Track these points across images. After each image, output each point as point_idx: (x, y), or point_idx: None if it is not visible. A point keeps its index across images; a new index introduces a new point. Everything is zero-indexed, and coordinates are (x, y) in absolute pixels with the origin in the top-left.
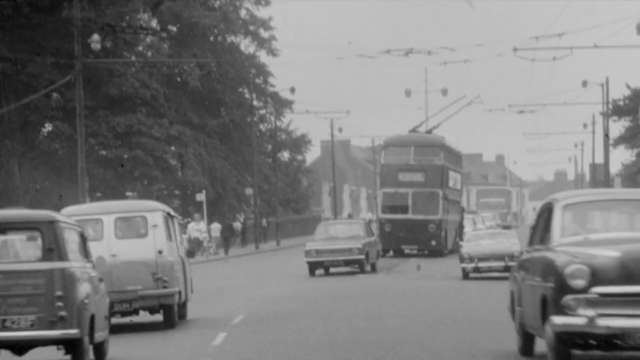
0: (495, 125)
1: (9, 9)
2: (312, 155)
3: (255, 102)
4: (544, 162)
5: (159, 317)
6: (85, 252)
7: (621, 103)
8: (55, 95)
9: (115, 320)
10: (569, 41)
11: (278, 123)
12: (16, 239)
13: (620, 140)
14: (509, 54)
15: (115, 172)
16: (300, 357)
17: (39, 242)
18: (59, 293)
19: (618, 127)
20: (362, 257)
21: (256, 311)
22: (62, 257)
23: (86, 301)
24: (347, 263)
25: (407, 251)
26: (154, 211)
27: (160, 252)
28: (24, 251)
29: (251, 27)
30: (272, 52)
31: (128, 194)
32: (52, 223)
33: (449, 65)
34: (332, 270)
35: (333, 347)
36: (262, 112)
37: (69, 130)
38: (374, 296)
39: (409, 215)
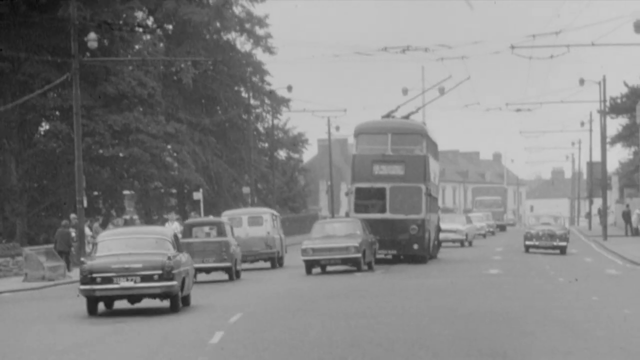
0: (492, 123)
1: (5, 7)
2: (309, 153)
3: (252, 101)
4: (541, 160)
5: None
6: (232, 234)
7: (619, 101)
8: (52, 94)
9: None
10: (566, 39)
11: (275, 121)
12: (207, 229)
13: (618, 138)
14: (507, 51)
15: (112, 170)
16: (298, 355)
17: (217, 230)
18: (224, 249)
19: (615, 125)
20: (359, 255)
21: (254, 309)
22: (224, 235)
23: (234, 253)
24: (344, 261)
25: (379, 256)
26: (265, 213)
27: (268, 232)
28: (210, 234)
29: (247, 25)
30: (268, 50)
31: (125, 192)
32: (222, 223)
33: (446, 62)
34: (328, 268)
35: (331, 345)
36: (259, 110)
37: (66, 129)
38: (372, 294)
39: (387, 215)
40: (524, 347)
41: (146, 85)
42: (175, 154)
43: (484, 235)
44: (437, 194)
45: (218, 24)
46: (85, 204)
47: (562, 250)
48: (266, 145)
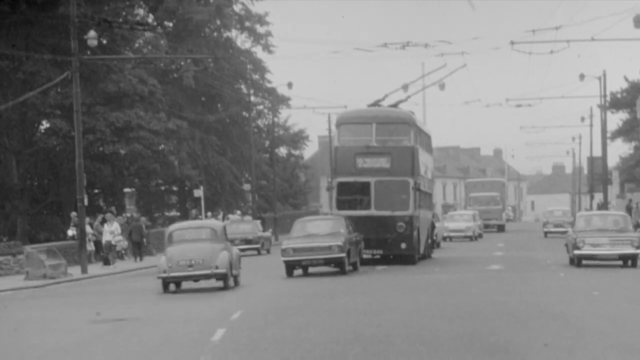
0: (492, 119)
1: (5, 5)
2: (309, 150)
3: (252, 98)
4: (542, 155)
5: None
6: None
7: (619, 96)
8: (52, 92)
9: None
10: (566, 34)
11: (275, 119)
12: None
13: (618, 133)
14: (507, 47)
15: (113, 167)
16: (300, 352)
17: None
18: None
19: (616, 120)
20: (343, 255)
21: (255, 307)
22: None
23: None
24: (327, 262)
25: (365, 257)
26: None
27: None
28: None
29: (247, 23)
30: (267, 49)
31: (126, 190)
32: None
33: (446, 58)
34: (310, 270)
35: (332, 342)
36: (260, 107)
37: (66, 127)
38: (371, 292)
39: (372, 211)
40: (525, 343)
41: (147, 83)
42: (176, 152)
43: (475, 238)
44: (432, 189)
45: (218, 22)
46: (86, 202)
47: None
48: (267, 142)
